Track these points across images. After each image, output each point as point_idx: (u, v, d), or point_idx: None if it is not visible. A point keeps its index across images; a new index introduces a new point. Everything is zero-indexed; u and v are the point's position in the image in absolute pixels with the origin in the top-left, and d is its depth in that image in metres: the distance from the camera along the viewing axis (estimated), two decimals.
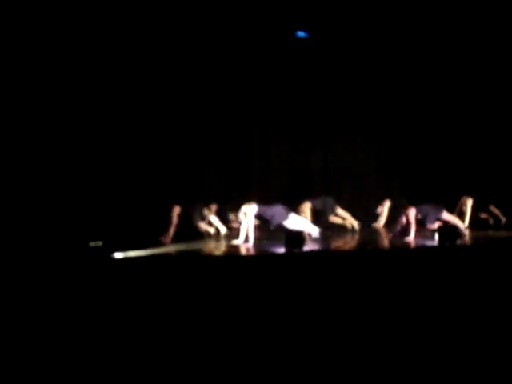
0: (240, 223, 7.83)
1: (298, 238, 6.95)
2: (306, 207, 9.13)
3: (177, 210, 8.52)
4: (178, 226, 8.60)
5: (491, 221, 9.94)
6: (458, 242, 7.16)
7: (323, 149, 11.13)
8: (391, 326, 4.70)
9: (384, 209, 9.73)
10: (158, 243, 7.95)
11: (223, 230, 8.95)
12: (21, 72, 8.24)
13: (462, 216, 9.20)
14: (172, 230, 8.45)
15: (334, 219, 9.55)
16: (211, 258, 7.05)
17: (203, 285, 5.82)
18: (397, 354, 4.06)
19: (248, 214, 7.66)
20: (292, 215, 7.86)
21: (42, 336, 4.61)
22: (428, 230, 8.14)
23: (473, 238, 8.01)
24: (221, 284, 5.85)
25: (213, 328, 4.74)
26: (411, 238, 7.72)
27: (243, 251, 7.27)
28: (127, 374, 3.86)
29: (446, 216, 8.13)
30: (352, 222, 9.46)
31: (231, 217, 9.39)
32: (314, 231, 7.99)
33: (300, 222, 7.94)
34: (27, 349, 4.35)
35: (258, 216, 7.81)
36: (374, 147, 11.25)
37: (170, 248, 7.56)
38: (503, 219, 9.75)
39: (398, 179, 11.11)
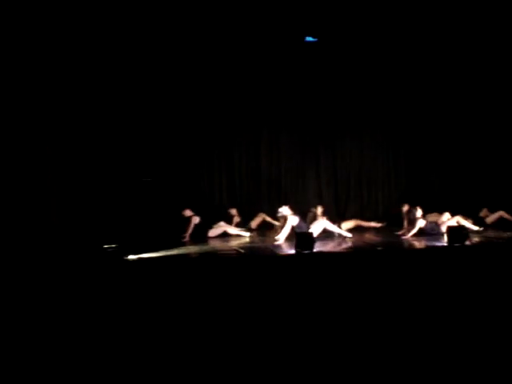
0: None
1: (308, 239, 7.00)
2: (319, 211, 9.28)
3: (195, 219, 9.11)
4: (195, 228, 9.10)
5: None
6: (467, 242, 7.20)
7: (332, 152, 11.18)
8: (399, 325, 4.74)
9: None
10: (173, 244, 8.05)
11: (246, 234, 9.27)
12: (21, 72, 8.30)
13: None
14: (190, 231, 8.98)
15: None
16: (223, 258, 7.13)
17: (215, 285, 5.90)
18: (406, 352, 4.11)
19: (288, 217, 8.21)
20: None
21: (58, 335, 4.69)
22: None
23: (483, 238, 8.01)
24: (232, 284, 5.92)
25: (223, 326, 4.79)
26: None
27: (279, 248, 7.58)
28: (141, 373, 3.92)
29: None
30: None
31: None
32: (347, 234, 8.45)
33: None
34: (42, 347, 4.43)
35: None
36: (382, 149, 11.27)
37: (183, 250, 7.65)
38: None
39: (406, 181, 11.14)
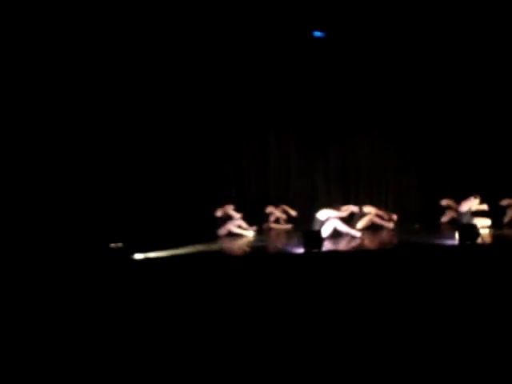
0: None
1: (316, 238, 6.93)
2: None
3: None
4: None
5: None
6: (479, 241, 7.08)
7: (341, 148, 11.12)
8: (407, 324, 4.67)
9: None
10: (180, 242, 7.99)
11: (250, 233, 9.16)
12: (22, 72, 8.31)
13: None
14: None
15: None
16: (230, 258, 7.08)
17: (221, 285, 5.85)
18: (417, 352, 4.04)
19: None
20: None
21: (61, 335, 4.67)
22: None
23: (495, 236, 7.89)
24: (239, 284, 5.87)
25: (230, 327, 4.75)
26: None
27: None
28: (148, 373, 3.89)
29: None
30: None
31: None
32: (356, 233, 8.27)
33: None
34: (44, 347, 4.41)
35: None
36: (391, 146, 11.18)
37: (190, 249, 7.60)
38: None
39: (417, 177, 11.04)
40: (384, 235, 8.59)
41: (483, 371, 3.67)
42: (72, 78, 8.70)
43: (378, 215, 9.37)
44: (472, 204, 8.29)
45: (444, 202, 9.89)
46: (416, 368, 3.79)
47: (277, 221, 10.37)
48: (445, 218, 9.76)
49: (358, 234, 8.32)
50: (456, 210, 8.92)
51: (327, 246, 7.21)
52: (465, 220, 8.07)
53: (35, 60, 8.40)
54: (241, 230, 9.20)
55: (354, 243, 7.71)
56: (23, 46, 8.26)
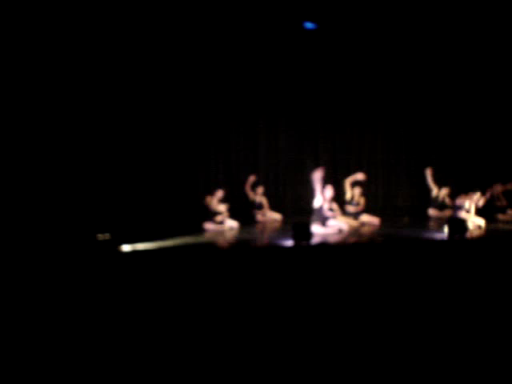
0: None
1: (305, 231, 6.91)
2: None
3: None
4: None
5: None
6: (468, 235, 7.12)
7: (331, 141, 11.12)
8: (397, 320, 4.67)
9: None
10: (168, 234, 7.89)
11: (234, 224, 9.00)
12: (21, 72, 8.21)
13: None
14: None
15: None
16: (219, 250, 7.05)
17: (210, 277, 5.82)
18: (406, 348, 4.04)
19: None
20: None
21: (51, 328, 4.63)
22: None
23: (484, 231, 7.93)
24: (228, 276, 5.85)
25: (218, 320, 4.73)
26: None
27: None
28: (135, 368, 3.85)
29: None
30: None
31: None
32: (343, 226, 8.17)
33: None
34: (35, 342, 4.36)
35: None
36: (381, 140, 11.22)
37: (177, 241, 7.54)
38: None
39: (406, 171, 11.08)
40: (373, 229, 8.58)
41: (477, 367, 3.68)
42: (57, 68, 8.58)
43: None
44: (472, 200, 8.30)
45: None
46: (407, 361, 3.78)
47: (259, 207, 10.15)
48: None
49: (345, 226, 8.26)
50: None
51: (316, 238, 7.17)
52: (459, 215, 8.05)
53: (35, 60, 8.30)
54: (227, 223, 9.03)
55: (344, 236, 7.70)
56: (23, 46, 8.17)
